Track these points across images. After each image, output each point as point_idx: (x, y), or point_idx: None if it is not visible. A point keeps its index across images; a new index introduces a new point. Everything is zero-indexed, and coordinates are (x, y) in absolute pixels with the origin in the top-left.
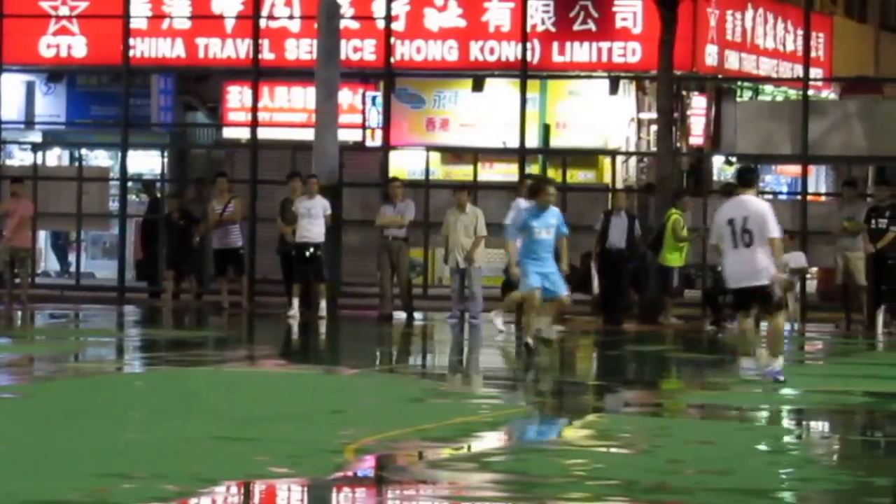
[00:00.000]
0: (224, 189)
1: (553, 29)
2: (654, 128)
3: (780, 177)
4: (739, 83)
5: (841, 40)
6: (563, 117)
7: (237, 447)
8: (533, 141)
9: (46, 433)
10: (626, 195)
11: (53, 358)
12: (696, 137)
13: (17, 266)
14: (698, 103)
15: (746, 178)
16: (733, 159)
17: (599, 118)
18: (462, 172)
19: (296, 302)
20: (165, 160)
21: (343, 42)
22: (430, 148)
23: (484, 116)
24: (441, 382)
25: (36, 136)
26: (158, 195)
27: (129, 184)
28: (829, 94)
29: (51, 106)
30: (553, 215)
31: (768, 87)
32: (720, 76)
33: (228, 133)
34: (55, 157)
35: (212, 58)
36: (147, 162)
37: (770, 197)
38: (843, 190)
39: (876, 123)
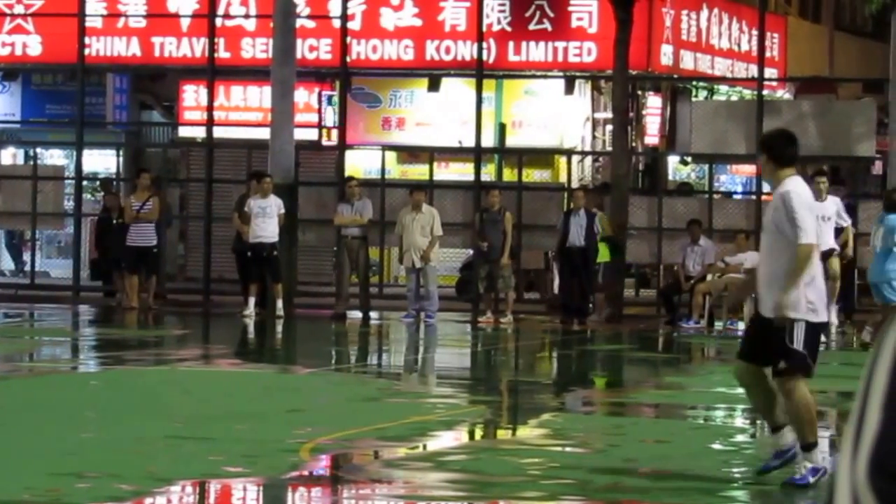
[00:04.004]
0: (145, 185)
1: (509, 28)
2: (609, 127)
3: (735, 176)
4: (694, 83)
5: (795, 40)
6: (518, 117)
7: (192, 446)
8: (489, 140)
9: (0, 432)
10: (584, 194)
11: (7, 357)
12: (652, 137)
13: None
14: (653, 103)
15: None
16: (688, 159)
17: (555, 118)
18: (418, 172)
19: (251, 301)
20: (121, 159)
21: (299, 41)
22: (385, 147)
23: (440, 116)
24: (397, 382)
25: None
26: (115, 193)
27: (84, 182)
28: (783, 93)
29: (5, 104)
30: None
31: (723, 87)
32: (675, 76)
33: (184, 132)
34: (10, 156)
35: (167, 56)
36: (102, 161)
37: (724, 196)
38: None
39: (830, 123)
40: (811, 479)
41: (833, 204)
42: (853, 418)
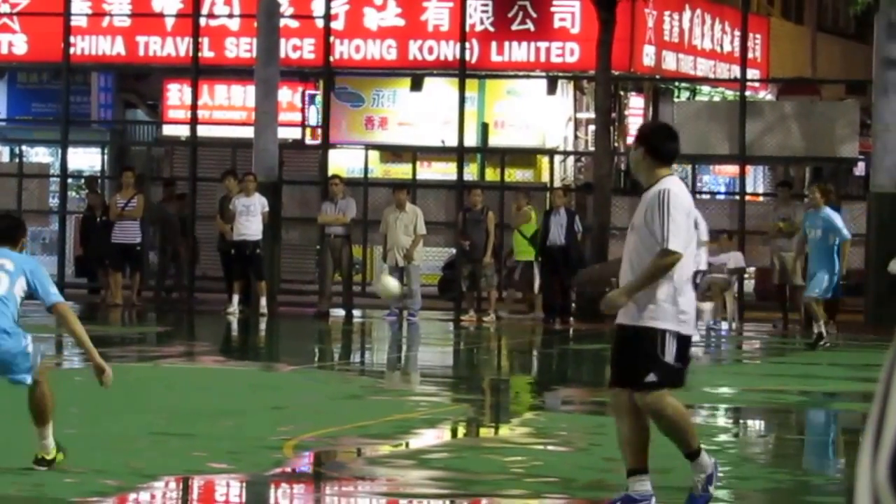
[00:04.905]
0: (129, 183)
1: (491, 29)
2: (591, 127)
3: (717, 177)
4: (677, 84)
5: (778, 41)
6: (501, 116)
7: (176, 443)
8: (471, 140)
9: None
10: (564, 193)
11: None
12: (634, 137)
13: None
14: (636, 103)
15: None
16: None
17: (537, 117)
18: (401, 171)
19: (235, 299)
20: (105, 157)
21: (282, 41)
22: (369, 146)
23: (423, 115)
24: (380, 380)
25: None
26: (99, 192)
27: (69, 180)
28: (766, 95)
29: None
30: None
31: (705, 88)
32: (657, 76)
33: (168, 130)
34: None
35: (152, 56)
36: (87, 159)
37: (707, 197)
38: (779, 190)
39: (813, 124)
40: (711, 491)
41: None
42: (872, 419)
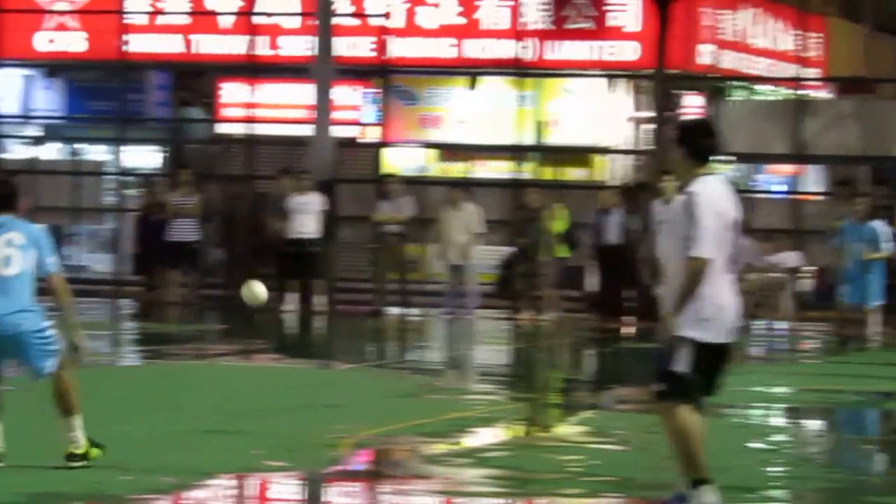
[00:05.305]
0: (185, 181)
1: (548, 27)
2: (648, 126)
3: (772, 176)
4: (733, 82)
5: (835, 40)
6: (557, 115)
7: (232, 441)
8: (528, 138)
9: (43, 425)
10: (619, 192)
11: None
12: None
13: None
14: (692, 102)
15: None
16: (732, 158)
17: (594, 116)
18: (456, 169)
19: (291, 297)
20: (161, 155)
21: (339, 39)
22: (424, 145)
23: (478, 114)
24: (436, 378)
25: (34, 131)
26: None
27: (125, 178)
28: (823, 94)
29: (49, 100)
30: None
31: (762, 87)
32: (714, 75)
33: (223, 129)
34: (52, 152)
35: (208, 53)
36: (143, 157)
37: (763, 196)
38: (836, 189)
39: (869, 123)
40: None
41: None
42: None
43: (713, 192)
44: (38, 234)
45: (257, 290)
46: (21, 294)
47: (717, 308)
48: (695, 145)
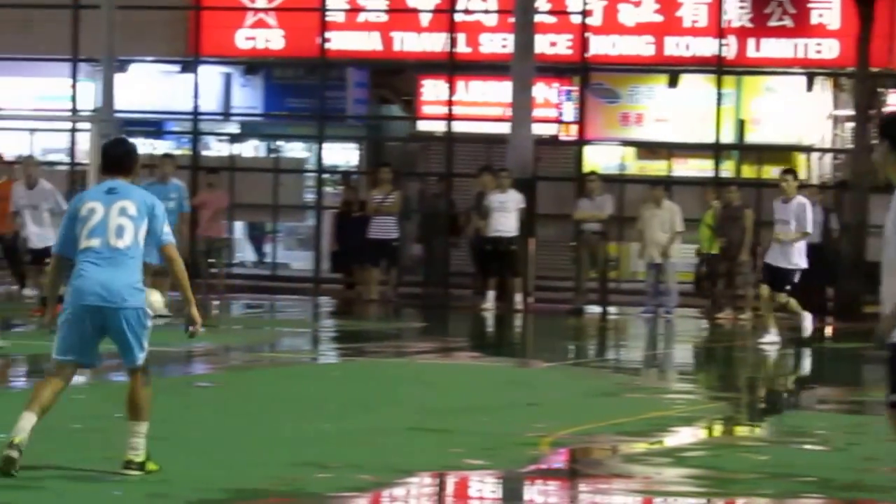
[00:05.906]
0: (386, 179)
1: (749, 24)
2: (849, 125)
3: None
4: None
5: None
6: (758, 113)
7: (431, 438)
8: (728, 137)
9: (241, 422)
10: (819, 191)
11: (249, 347)
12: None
13: (213, 256)
14: (895, 101)
15: None
16: None
17: (795, 114)
18: (656, 168)
19: (490, 295)
20: (361, 153)
21: (538, 36)
22: (624, 143)
23: (679, 112)
24: (635, 377)
25: (232, 128)
26: (354, 187)
27: (325, 176)
28: None
29: (247, 98)
30: None
31: None
32: None
33: (422, 126)
34: (251, 149)
35: (407, 51)
36: (342, 154)
37: None
38: None
39: None
40: None
41: None
42: None
43: None
44: (151, 203)
45: (151, 298)
46: (131, 268)
47: None
48: None
